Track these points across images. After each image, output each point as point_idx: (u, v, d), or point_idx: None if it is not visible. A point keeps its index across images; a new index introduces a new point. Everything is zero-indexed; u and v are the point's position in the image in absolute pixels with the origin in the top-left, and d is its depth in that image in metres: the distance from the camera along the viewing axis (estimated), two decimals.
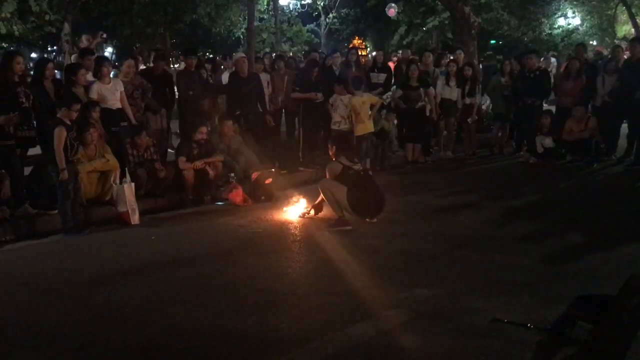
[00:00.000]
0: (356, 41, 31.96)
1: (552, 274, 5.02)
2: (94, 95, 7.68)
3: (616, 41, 25.61)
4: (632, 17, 25.21)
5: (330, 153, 7.13)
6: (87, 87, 7.73)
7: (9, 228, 6.69)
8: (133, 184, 7.19)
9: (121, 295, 4.78)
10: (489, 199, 7.89)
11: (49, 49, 28.10)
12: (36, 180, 7.22)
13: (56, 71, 8.45)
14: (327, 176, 6.92)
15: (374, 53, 26.67)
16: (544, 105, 11.20)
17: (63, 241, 6.43)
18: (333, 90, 9.42)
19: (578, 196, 8.15)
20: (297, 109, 10.08)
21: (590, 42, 26.95)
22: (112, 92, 7.85)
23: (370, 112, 9.34)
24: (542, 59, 13.61)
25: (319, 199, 6.94)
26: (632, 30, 25.88)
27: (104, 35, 9.55)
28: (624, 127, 10.36)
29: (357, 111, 9.24)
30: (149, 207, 7.63)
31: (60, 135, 6.39)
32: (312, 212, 7.06)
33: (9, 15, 12.93)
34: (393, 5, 21.37)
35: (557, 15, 26.63)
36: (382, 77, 10.75)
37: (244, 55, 9.26)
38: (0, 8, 12.48)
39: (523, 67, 10.89)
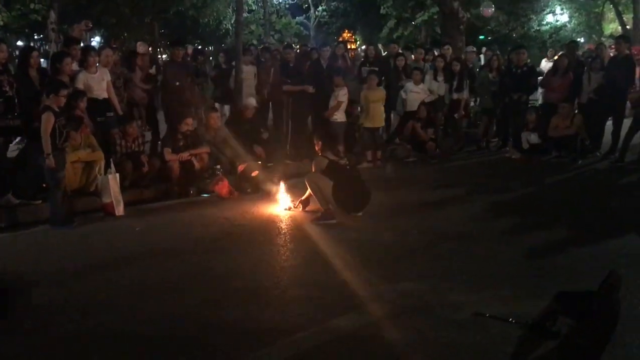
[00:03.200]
0: (345, 34, 31.92)
1: (534, 269, 5.06)
2: (79, 84, 7.61)
3: (603, 39, 25.79)
4: (619, 15, 25.41)
5: (317, 148, 7.13)
6: (73, 77, 7.65)
7: None
8: (118, 175, 7.15)
9: (104, 287, 4.76)
10: (474, 194, 7.94)
11: (35, 37, 27.71)
12: (20, 170, 7.15)
13: (42, 59, 8.37)
14: (313, 170, 6.92)
15: (363, 47, 26.71)
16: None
17: (46, 232, 6.38)
18: (332, 83, 9.74)
19: (562, 192, 8.21)
20: (285, 101, 10.09)
21: (578, 39, 27.12)
22: (98, 81, 7.80)
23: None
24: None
25: (307, 193, 6.94)
26: (619, 28, 26.08)
27: (90, 24, 9.46)
28: (609, 124, 10.43)
29: (369, 104, 9.75)
30: (134, 198, 7.59)
31: (47, 120, 6.31)
32: (300, 207, 7.06)
33: None
34: (492, 6, 21.18)
35: (545, 12, 26.77)
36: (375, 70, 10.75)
37: (256, 105, 9.30)
38: None
39: (510, 63, 10.95)
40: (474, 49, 13.93)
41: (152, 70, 9.44)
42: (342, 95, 9.64)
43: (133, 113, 8.62)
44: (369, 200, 6.84)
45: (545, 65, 14.85)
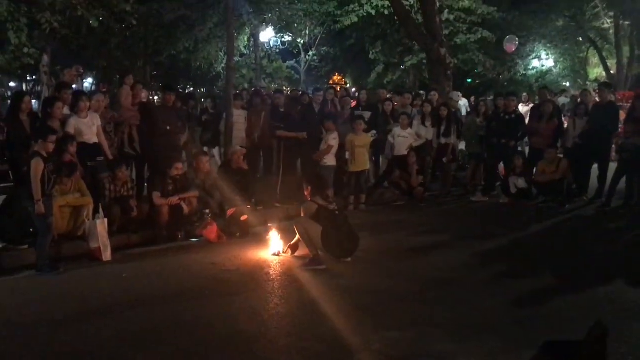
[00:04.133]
0: (336, 77, 32.36)
1: (521, 317, 5.05)
2: (70, 129, 7.65)
3: (588, 83, 26.36)
4: (602, 60, 26.05)
5: (306, 193, 7.15)
6: (64, 121, 7.71)
7: None
8: (106, 220, 7.13)
9: (90, 335, 4.70)
10: (461, 239, 7.96)
11: (28, 78, 27.89)
12: (6, 215, 7.12)
13: (34, 101, 8.42)
14: (303, 215, 6.94)
15: (353, 90, 27.05)
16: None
17: (31, 278, 6.32)
18: (323, 127, 9.90)
19: (549, 237, 8.26)
20: (276, 145, 10.18)
21: (564, 84, 27.68)
22: (89, 126, 7.84)
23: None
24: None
25: (295, 238, 6.95)
26: (603, 72, 26.70)
27: (81, 70, 9.58)
28: (595, 168, 10.57)
29: (355, 148, 9.86)
30: (122, 243, 7.57)
31: (37, 167, 6.33)
32: (289, 252, 7.06)
33: None
34: (515, 40, 20.99)
35: (531, 57, 27.34)
36: (367, 114, 10.91)
37: (243, 149, 9.45)
38: None
39: (497, 108, 11.15)
40: (460, 94, 14.18)
41: None
42: (332, 139, 9.75)
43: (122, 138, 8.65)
44: (357, 246, 6.86)
45: (521, 109, 15.07)
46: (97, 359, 4.29)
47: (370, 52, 23.71)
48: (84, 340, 4.61)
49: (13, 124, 7.28)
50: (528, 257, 7.17)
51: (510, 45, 20.91)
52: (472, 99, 19.00)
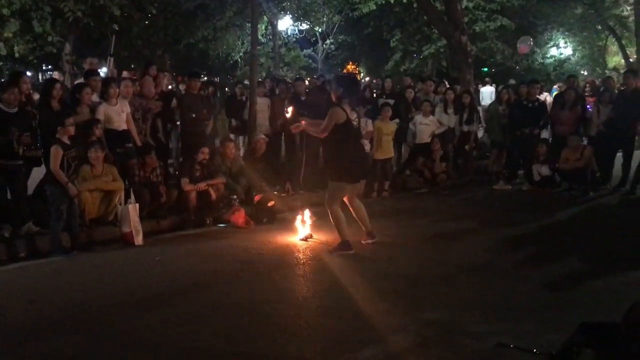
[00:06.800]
0: (350, 66, 32.33)
1: (553, 300, 5.11)
2: (100, 116, 7.74)
3: (607, 71, 26.08)
4: (622, 48, 25.74)
5: (334, 97, 6.62)
6: (93, 108, 7.81)
7: (11, 247, 6.71)
8: (137, 205, 7.24)
9: (128, 318, 4.79)
10: (487, 226, 8.00)
11: (44, 68, 28.08)
12: (39, 199, 7.26)
13: None
14: (327, 123, 6.44)
15: (367, 79, 26.96)
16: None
17: (67, 260, 6.45)
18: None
19: (574, 224, 8.28)
20: (299, 133, 10.22)
21: (582, 72, 27.42)
22: (118, 113, 7.92)
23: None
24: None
25: None
26: (622, 61, 26.40)
27: (95, 61, 9.78)
28: (619, 156, 10.53)
29: (382, 136, 9.88)
30: (151, 229, 7.66)
31: (56, 154, 6.46)
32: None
33: (11, 35, 13.04)
34: (529, 41, 20.70)
35: (549, 45, 27.08)
36: (391, 102, 10.91)
37: (265, 137, 9.52)
38: (3, 28, 12.59)
39: (520, 96, 11.12)
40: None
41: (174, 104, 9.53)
42: (370, 125, 9.78)
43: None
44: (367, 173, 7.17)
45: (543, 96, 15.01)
46: (137, 342, 4.35)
47: (391, 41, 23.59)
48: (123, 322, 4.69)
49: (44, 110, 7.38)
50: (554, 243, 7.19)
51: (525, 46, 20.63)
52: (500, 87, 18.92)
